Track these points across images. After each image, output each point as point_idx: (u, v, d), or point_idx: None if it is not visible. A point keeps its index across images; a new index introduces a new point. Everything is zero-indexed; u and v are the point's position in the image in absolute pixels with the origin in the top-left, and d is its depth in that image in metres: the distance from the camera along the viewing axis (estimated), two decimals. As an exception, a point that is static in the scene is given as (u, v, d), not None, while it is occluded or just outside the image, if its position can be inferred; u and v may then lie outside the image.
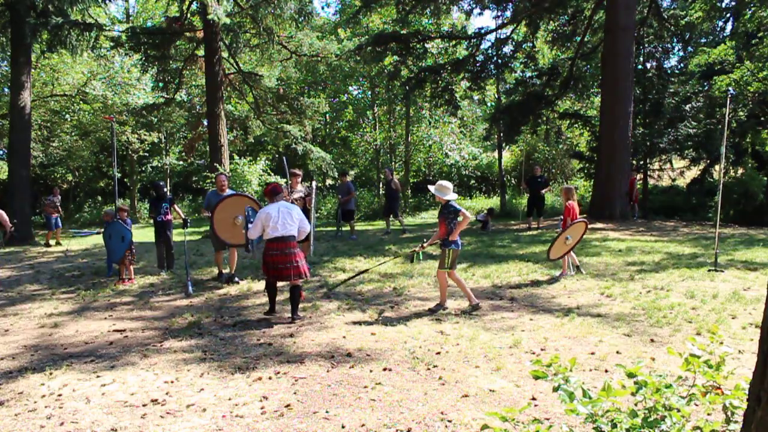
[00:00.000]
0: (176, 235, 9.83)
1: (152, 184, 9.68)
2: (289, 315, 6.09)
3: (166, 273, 9.07)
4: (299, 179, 9.24)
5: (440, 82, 18.74)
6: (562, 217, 8.38)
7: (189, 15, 16.64)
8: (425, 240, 7.01)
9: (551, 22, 18.97)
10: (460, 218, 5.98)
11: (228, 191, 8.28)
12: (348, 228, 13.49)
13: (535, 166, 15.66)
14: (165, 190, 9.38)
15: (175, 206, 9.48)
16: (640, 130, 17.98)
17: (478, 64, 19.29)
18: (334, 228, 13.88)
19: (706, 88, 18.56)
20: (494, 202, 22.66)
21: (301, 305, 6.63)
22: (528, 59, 19.85)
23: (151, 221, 9.49)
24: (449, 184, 6.30)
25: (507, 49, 20.21)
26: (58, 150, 22.61)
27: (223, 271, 8.38)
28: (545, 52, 22.47)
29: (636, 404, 2.12)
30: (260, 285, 7.95)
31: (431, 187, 6.41)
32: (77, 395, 4.00)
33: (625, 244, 10.47)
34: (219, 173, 8.42)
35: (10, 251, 12.60)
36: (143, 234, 16.40)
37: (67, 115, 22.12)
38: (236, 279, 8.22)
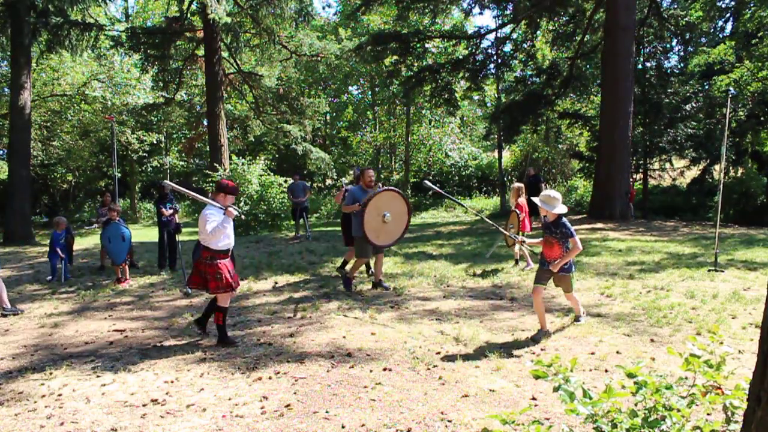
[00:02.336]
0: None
1: (157, 184, 9.68)
2: (290, 315, 6.09)
3: (167, 273, 9.07)
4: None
5: (440, 81, 18.75)
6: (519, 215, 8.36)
7: (189, 15, 16.65)
8: (518, 236, 6.09)
9: (551, 21, 18.97)
10: (570, 245, 5.00)
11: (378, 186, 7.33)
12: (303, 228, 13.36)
13: (529, 167, 15.62)
14: (168, 190, 9.40)
15: (177, 207, 9.49)
16: (640, 130, 17.99)
17: (477, 63, 19.29)
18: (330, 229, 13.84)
19: (706, 88, 18.57)
20: (494, 202, 22.67)
21: (300, 305, 6.64)
22: (528, 58, 19.86)
23: (150, 221, 9.50)
24: (557, 194, 5.09)
25: (507, 48, 20.23)
26: (58, 150, 22.60)
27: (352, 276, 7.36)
28: (545, 51, 22.47)
29: (636, 404, 2.12)
30: (260, 285, 7.95)
31: (536, 200, 5.15)
32: (77, 395, 4.00)
33: (625, 244, 10.46)
34: (367, 167, 7.38)
35: (10, 251, 12.59)
36: (143, 234, 16.41)
37: (68, 114, 22.09)
38: (384, 285, 7.17)
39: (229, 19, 14.09)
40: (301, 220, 13.44)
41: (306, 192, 13.30)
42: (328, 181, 29.30)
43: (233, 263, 5.35)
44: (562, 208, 5.04)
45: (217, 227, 4.92)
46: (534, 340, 4.99)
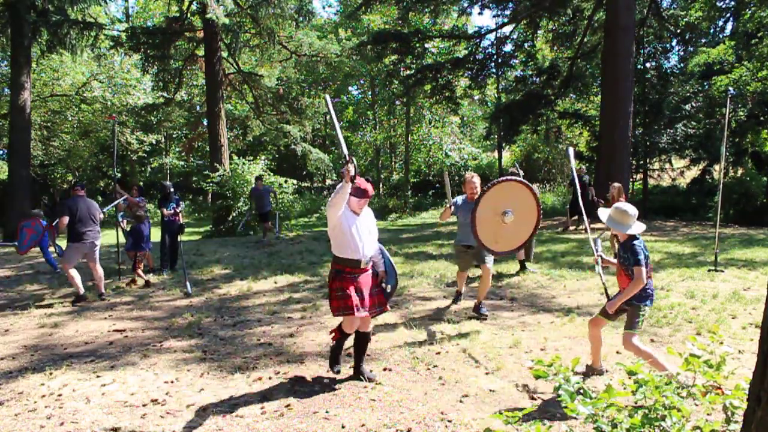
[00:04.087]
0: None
1: (160, 184, 9.68)
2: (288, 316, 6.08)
3: (167, 272, 9.06)
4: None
5: (440, 80, 18.75)
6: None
7: (189, 15, 16.65)
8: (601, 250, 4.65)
9: (551, 21, 18.97)
10: (635, 275, 3.79)
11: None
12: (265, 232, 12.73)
13: (513, 165, 15.37)
14: (171, 190, 9.42)
15: (179, 207, 9.49)
16: (640, 130, 17.98)
17: (477, 63, 19.29)
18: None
19: (706, 88, 18.56)
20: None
21: (300, 305, 6.64)
22: (528, 58, 19.86)
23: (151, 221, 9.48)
24: (632, 210, 3.92)
25: (507, 48, 20.24)
26: (58, 150, 22.61)
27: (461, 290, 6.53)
28: (545, 52, 22.48)
29: (636, 403, 2.12)
30: (260, 285, 7.95)
31: (602, 214, 4.10)
32: (77, 395, 4.00)
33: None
34: (471, 174, 6.07)
35: (10, 251, 12.58)
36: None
37: (68, 114, 22.10)
38: (483, 310, 5.88)
39: (227, 20, 14.08)
40: (269, 223, 12.75)
41: (272, 197, 12.54)
42: (328, 182, 29.29)
43: (376, 279, 4.11)
44: (638, 228, 3.88)
45: (339, 228, 3.90)
46: (584, 375, 4.18)
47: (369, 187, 3.96)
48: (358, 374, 4.16)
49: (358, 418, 3.51)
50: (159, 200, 9.51)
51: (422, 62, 19.22)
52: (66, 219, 7.07)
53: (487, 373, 4.25)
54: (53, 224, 8.25)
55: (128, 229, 8.80)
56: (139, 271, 8.17)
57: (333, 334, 4.25)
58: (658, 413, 1.99)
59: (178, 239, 9.07)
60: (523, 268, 8.22)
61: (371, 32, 20.62)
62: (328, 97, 4.02)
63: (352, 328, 4.03)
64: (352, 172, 3.66)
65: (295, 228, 17.05)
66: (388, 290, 4.25)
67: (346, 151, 3.76)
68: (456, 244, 6.14)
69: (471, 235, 5.17)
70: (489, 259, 5.77)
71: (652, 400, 2.05)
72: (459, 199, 5.96)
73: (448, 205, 5.91)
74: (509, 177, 5.30)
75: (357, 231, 3.92)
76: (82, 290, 7.15)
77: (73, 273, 7.08)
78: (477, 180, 5.98)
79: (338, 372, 4.23)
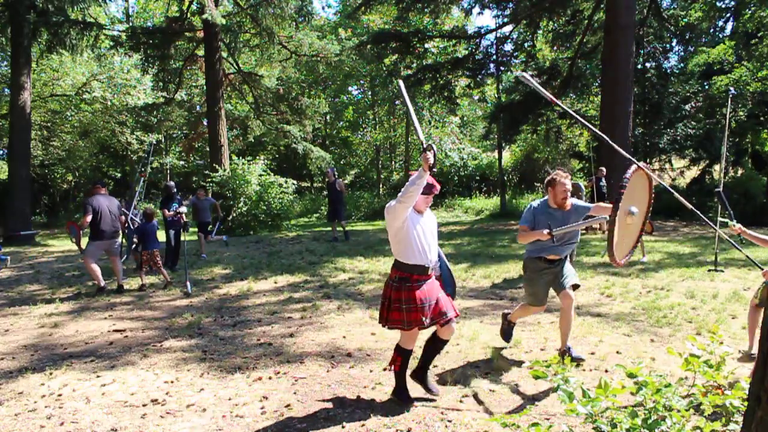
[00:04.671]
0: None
1: (164, 185, 9.72)
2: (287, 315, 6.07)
3: (168, 273, 9.06)
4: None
5: (440, 79, 18.76)
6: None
7: (189, 15, 16.66)
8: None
9: (551, 21, 18.97)
10: None
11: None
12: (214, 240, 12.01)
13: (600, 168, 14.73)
14: (174, 190, 9.47)
15: (184, 207, 9.53)
16: (640, 130, 17.98)
17: (477, 63, 19.29)
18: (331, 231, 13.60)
19: (706, 88, 18.56)
20: (494, 202, 22.66)
21: (300, 305, 6.64)
22: (528, 58, 19.86)
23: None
24: None
25: (507, 48, 20.23)
26: (58, 150, 22.60)
27: None
28: (545, 52, 22.48)
29: (636, 404, 2.12)
30: (260, 285, 7.95)
31: None
32: (77, 395, 4.00)
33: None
34: (564, 174, 4.43)
35: (10, 251, 12.59)
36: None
37: (68, 113, 22.08)
38: (576, 354, 4.51)
39: (224, 21, 14.09)
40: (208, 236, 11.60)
41: (215, 209, 11.47)
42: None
43: (443, 286, 3.81)
44: None
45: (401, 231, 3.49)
46: (741, 360, 4.16)
47: (435, 182, 3.58)
48: (422, 382, 3.78)
49: (358, 418, 3.51)
50: (162, 200, 9.54)
51: (422, 62, 19.23)
52: (89, 217, 7.33)
53: (487, 373, 4.25)
54: (75, 222, 8.44)
55: (134, 227, 8.83)
56: (142, 273, 8.21)
57: (393, 364, 3.71)
58: (658, 414, 2.00)
59: (181, 239, 9.08)
60: None
61: (371, 32, 20.64)
62: (401, 82, 3.68)
63: (413, 343, 3.70)
64: (431, 160, 3.30)
65: (295, 228, 17.06)
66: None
67: (423, 137, 3.43)
68: (530, 257, 4.44)
69: (554, 244, 4.15)
70: (570, 280, 4.39)
71: (652, 401, 2.05)
72: (536, 204, 4.42)
73: (525, 226, 4.31)
74: (638, 164, 3.94)
75: (423, 233, 3.55)
76: (102, 282, 7.52)
77: (95, 267, 7.47)
78: (569, 182, 4.37)
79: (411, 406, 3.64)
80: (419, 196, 3.46)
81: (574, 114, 4.37)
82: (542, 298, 4.44)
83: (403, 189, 3.36)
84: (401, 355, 3.70)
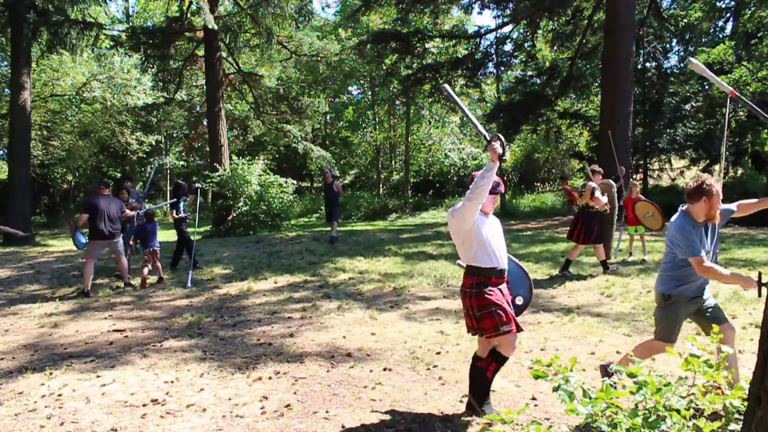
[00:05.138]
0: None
1: (175, 183, 9.78)
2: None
3: (170, 271, 9.11)
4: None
5: (440, 79, 18.76)
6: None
7: (189, 15, 16.65)
8: None
9: (551, 21, 18.98)
10: None
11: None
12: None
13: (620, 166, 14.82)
14: (186, 189, 9.61)
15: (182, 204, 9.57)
16: (640, 130, 17.99)
17: (477, 63, 19.30)
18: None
19: (706, 88, 18.57)
20: (494, 202, 22.66)
21: (300, 305, 6.63)
22: (528, 58, 19.87)
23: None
24: None
25: (507, 48, 20.25)
26: (58, 150, 22.61)
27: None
28: (545, 52, 22.49)
29: (636, 404, 2.12)
30: (260, 285, 7.95)
31: None
32: (77, 395, 4.00)
33: (625, 244, 10.46)
34: (715, 179, 3.50)
35: (10, 251, 12.59)
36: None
37: (68, 113, 22.09)
38: None
39: (216, 26, 14.08)
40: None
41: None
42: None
43: (510, 290, 3.50)
44: None
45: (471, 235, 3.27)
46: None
47: (500, 179, 3.35)
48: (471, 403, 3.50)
49: (358, 418, 3.51)
50: (175, 200, 9.56)
51: (422, 62, 19.24)
52: (85, 216, 7.48)
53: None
54: (70, 219, 8.52)
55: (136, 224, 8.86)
56: (145, 271, 8.26)
57: (486, 370, 3.42)
58: (658, 414, 1.99)
59: (186, 236, 9.23)
60: (606, 267, 7.98)
61: (371, 32, 20.63)
62: (447, 86, 3.49)
63: (513, 349, 3.39)
64: (500, 150, 3.05)
65: (294, 228, 17.06)
66: (519, 303, 3.59)
67: (483, 130, 3.23)
68: (680, 294, 3.54)
69: (703, 280, 3.48)
70: (720, 310, 3.65)
71: (652, 401, 2.05)
72: (680, 221, 3.52)
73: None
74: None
75: (492, 235, 3.34)
76: (87, 288, 7.52)
77: (89, 269, 7.55)
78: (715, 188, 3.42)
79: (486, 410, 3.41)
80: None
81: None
82: (677, 334, 3.70)
83: (471, 186, 3.14)
84: (498, 361, 3.43)
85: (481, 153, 28.46)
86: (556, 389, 2.12)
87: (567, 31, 19.08)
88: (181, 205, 9.21)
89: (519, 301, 3.56)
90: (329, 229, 12.25)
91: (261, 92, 19.00)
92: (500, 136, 3.09)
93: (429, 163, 27.40)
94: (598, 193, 7.59)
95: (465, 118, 3.08)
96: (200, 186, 10.06)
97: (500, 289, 3.33)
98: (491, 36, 19.95)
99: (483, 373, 3.43)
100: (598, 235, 7.69)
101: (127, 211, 8.17)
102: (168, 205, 9.56)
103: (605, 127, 15.24)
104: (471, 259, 3.31)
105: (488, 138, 3.13)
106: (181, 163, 28.37)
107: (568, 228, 8.20)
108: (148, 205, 8.68)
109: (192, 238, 9.30)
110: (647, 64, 18.91)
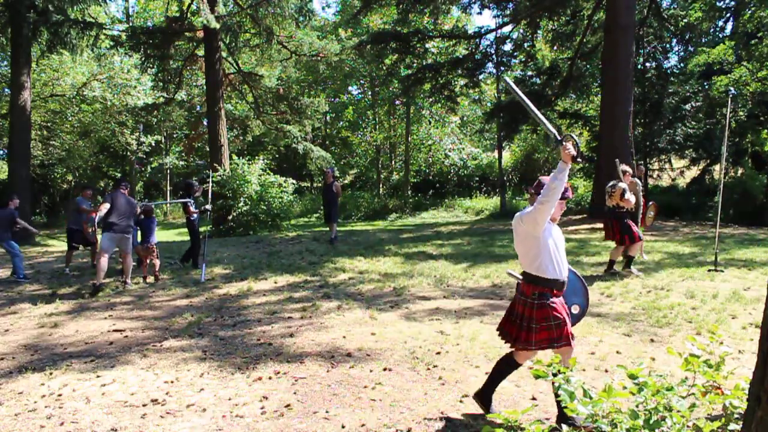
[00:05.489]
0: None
1: (186, 183, 9.92)
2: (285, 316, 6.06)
3: (183, 268, 9.29)
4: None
5: (439, 79, 18.77)
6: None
7: (189, 15, 16.65)
8: None
9: (551, 21, 18.98)
10: None
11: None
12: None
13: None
14: (194, 188, 9.77)
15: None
16: (640, 130, 17.99)
17: (477, 63, 19.31)
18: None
19: (706, 88, 18.57)
20: (494, 202, 22.67)
21: (300, 305, 6.63)
22: (528, 58, 19.88)
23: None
24: None
25: (507, 47, 20.26)
26: (58, 150, 22.62)
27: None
28: (545, 52, 22.49)
29: (637, 405, 2.12)
30: (260, 285, 7.95)
31: None
32: (77, 395, 4.00)
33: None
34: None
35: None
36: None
37: (68, 113, 22.10)
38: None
39: (218, 24, 14.08)
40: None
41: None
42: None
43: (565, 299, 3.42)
44: None
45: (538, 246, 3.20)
46: None
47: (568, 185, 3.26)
48: (483, 398, 3.50)
49: (358, 418, 3.51)
50: (189, 199, 9.66)
51: (422, 62, 19.25)
52: (107, 205, 7.72)
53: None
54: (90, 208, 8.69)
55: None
56: (145, 268, 8.42)
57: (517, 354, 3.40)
58: (658, 414, 2.00)
59: (195, 235, 9.48)
60: (628, 264, 7.96)
61: (371, 32, 20.65)
62: (507, 78, 3.38)
63: (525, 360, 3.40)
64: (573, 151, 2.95)
65: (294, 228, 17.06)
66: (576, 312, 3.56)
67: (553, 129, 3.07)
68: None
69: None
70: None
71: (653, 402, 2.05)
72: None
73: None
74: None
75: (557, 245, 3.26)
76: (99, 282, 7.65)
77: (103, 263, 7.70)
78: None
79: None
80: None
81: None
82: None
83: (544, 189, 3.05)
84: (513, 367, 3.46)
85: (481, 153, 28.48)
86: (557, 389, 2.12)
87: (567, 31, 19.08)
88: (191, 204, 9.32)
89: (575, 309, 3.51)
90: (328, 229, 12.23)
91: (261, 92, 19.02)
92: (573, 136, 2.99)
93: (429, 163, 27.40)
94: (628, 194, 7.60)
95: (533, 117, 2.94)
96: (207, 188, 10.26)
97: (560, 302, 3.27)
98: (491, 36, 19.96)
99: (502, 378, 3.45)
100: (637, 233, 7.71)
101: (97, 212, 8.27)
102: (181, 203, 9.65)
103: (605, 127, 15.26)
104: (535, 269, 3.22)
105: (559, 138, 3.01)
106: (181, 163, 28.37)
107: (604, 231, 8.26)
108: (140, 203, 8.72)
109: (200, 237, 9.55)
110: (647, 64, 18.91)
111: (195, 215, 9.32)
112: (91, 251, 10.09)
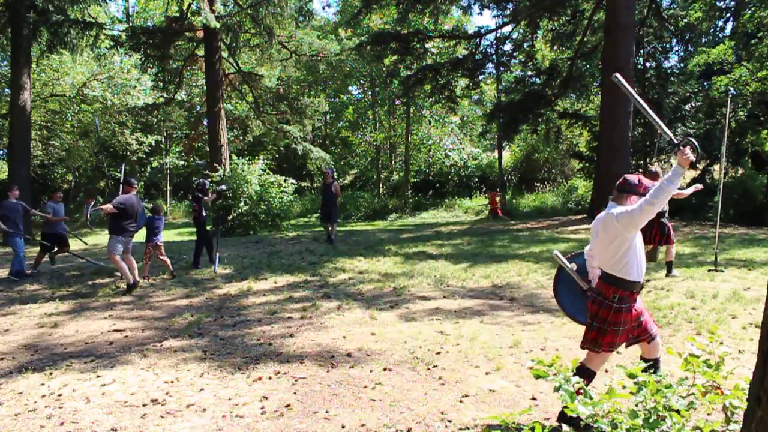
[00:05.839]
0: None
1: (199, 182, 10.02)
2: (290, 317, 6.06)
3: (196, 269, 9.33)
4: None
5: (440, 79, 18.77)
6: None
7: (189, 15, 16.65)
8: None
9: (551, 21, 18.98)
10: None
11: None
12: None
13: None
14: (207, 188, 9.91)
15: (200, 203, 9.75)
16: (640, 130, 17.99)
17: (477, 63, 19.31)
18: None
19: (706, 88, 18.57)
20: (494, 202, 22.67)
21: (300, 305, 6.63)
22: (527, 59, 19.88)
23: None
24: None
25: (506, 47, 20.26)
26: (57, 150, 22.62)
27: None
28: (545, 52, 22.49)
29: (636, 405, 2.12)
30: (260, 285, 7.95)
31: None
32: (77, 395, 4.00)
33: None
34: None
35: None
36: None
37: (68, 113, 22.10)
38: None
39: (218, 24, 14.08)
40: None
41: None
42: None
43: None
44: None
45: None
46: None
47: None
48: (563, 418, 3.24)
49: (358, 418, 3.51)
50: (194, 197, 9.84)
51: (422, 62, 19.24)
52: (110, 207, 7.65)
53: (487, 373, 4.25)
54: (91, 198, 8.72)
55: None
56: (146, 267, 8.46)
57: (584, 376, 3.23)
58: (658, 414, 2.00)
59: (203, 235, 9.65)
60: (669, 270, 7.80)
61: (371, 33, 20.64)
62: (618, 76, 3.22)
63: (598, 366, 3.32)
64: (692, 157, 2.88)
65: (294, 228, 17.06)
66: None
67: (670, 133, 3.00)
68: None
69: None
70: None
71: (652, 402, 2.05)
72: None
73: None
74: None
75: (640, 247, 3.24)
76: (131, 279, 7.69)
77: (123, 264, 7.70)
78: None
79: None
80: None
81: None
82: None
83: (655, 188, 2.96)
84: (589, 377, 3.32)
85: (481, 153, 28.47)
86: (556, 389, 2.12)
87: (567, 31, 19.08)
88: (212, 192, 9.46)
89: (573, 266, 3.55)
90: (325, 229, 12.21)
91: (261, 92, 19.02)
92: (692, 140, 2.88)
93: (429, 163, 27.40)
94: None
95: (649, 119, 2.82)
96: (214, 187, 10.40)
97: (638, 305, 3.24)
98: (491, 36, 19.96)
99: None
100: (669, 234, 7.61)
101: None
102: (205, 200, 9.76)
103: (605, 127, 15.26)
104: (619, 270, 3.17)
105: (676, 142, 2.92)
106: (181, 163, 28.37)
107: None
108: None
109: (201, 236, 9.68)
110: (647, 64, 18.91)
111: (199, 213, 9.49)
112: (56, 252, 10.23)
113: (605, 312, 3.18)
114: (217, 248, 9.52)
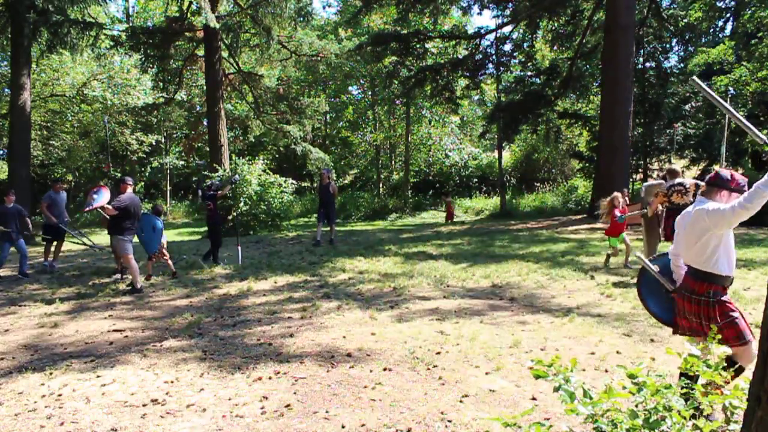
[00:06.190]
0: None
1: (209, 185, 10.21)
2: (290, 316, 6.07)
3: (210, 266, 9.38)
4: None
5: (440, 80, 18.78)
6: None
7: (189, 15, 16.66)
8: None
9: (551, 21, 18.99)
10: None
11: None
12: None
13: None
14: (214, 187, 10.05)
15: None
16: (640, 130, 18.00)
17: (477, 63, 19.32)
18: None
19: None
20: (494, 202, 22.67)
21: (300, 305, 6.63)
22: (527, 59, 19.89)
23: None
24: None
25: (506, 48, 20.27)
26: (57, 150, 22.61)
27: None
28: (545, 52, 22.50)
29: (636, 405, 2.12)
30: (260, 285, 7.95)
31: None
32: (77, 395, 4.00)
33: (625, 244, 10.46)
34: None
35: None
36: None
37: (68, 113, 22.09)
38: None
39: (217, 24, 14.09)
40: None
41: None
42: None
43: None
44: None
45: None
46: None
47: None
48: None
49: (358, 418, 3.51)
50: (204, 195, 9.98)
51: (422, 63, 19.25)
52: (112, 209, 7.65)
53: (487, 373, 4.25)
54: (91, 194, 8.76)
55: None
56: (150, 265, 8.51)
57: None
58: (658, 414, 2.00)
59: (213, 232, 9.81)
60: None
61: (371, 33, 20.64)
62: (696, 79, 3.12)
63: (753, 359, 3.07)
64: None
65: (294, 228, 17.06)
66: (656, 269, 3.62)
67: (760, 134, 2.92)
68: None
69: None
70: None
71: (652, 402, 2.05)
72: None
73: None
74: None
75: (732, 243, 3.22)
76: (139, 284, 7.71)
77: (136, 266, 7.76)
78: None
79: None
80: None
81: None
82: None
83: (749, 192, 2.89)
84: (737, 372, 3.08)
85: (481, 153, 28.47)
86: (556, 389, 2.12)
87: (567, 31, 19.09)
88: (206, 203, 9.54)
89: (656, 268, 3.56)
90: (326, 229, 12.19)
91: (261, 92, 19.01)
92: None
93: (429, 163, 27.40)
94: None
95: (736, 122, 2.71)
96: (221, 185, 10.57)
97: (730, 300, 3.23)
98: (491, 36, 19.97)
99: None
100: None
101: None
102: (208, 200, 9.84)
103: (605, 127, 15.27)
104: (710, 265, 3.15)
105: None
106: (181, 163, 28.37)
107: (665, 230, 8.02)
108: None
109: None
110: (647, 64, 18.93)
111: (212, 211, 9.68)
112: (57, 246, 10.19)
113: (706, 309, 3.16)
114: (238, 242, 9.84)
